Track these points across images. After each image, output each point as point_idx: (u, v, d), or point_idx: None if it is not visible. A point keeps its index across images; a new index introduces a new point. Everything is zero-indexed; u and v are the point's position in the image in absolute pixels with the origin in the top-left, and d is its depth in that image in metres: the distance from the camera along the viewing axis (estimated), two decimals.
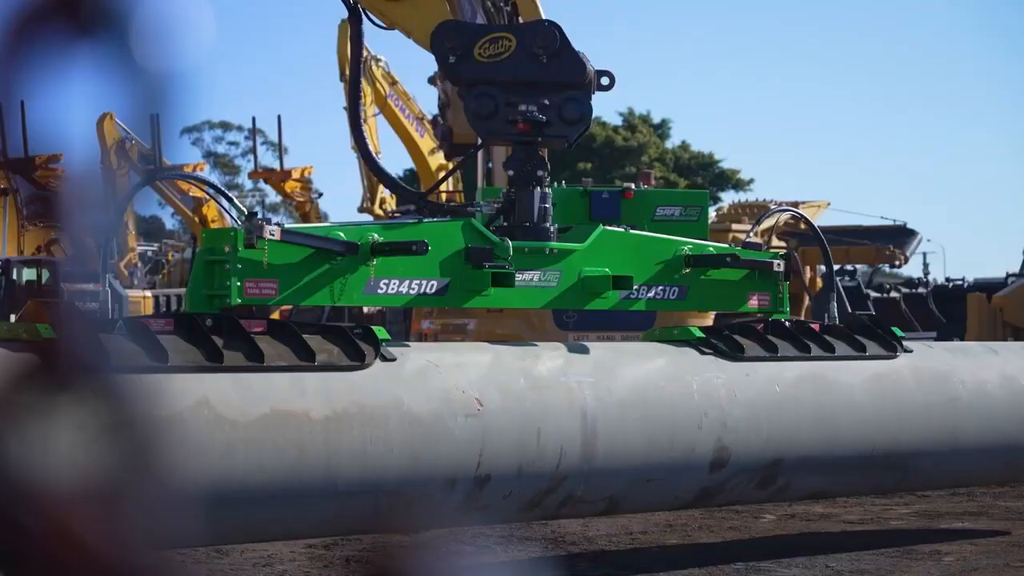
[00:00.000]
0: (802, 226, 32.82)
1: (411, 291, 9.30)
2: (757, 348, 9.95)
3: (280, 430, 7.66)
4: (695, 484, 9.53)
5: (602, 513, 9.77)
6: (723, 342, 9.88)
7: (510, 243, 9.53)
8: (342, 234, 9.00)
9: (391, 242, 9.15)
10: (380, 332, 8.46)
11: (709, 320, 18.87)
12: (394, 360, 8.37)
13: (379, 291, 9.17)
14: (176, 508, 7.17)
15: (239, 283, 8.53)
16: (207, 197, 43.94)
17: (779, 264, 10.60)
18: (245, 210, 8.82)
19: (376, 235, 9.10)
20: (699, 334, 9.93)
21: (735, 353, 9.82)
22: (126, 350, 7.26)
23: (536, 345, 9.52)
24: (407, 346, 8.91)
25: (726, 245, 10.90)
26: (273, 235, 8.63)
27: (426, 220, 9.62)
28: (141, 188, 8.82)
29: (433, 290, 9.39)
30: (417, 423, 8.19)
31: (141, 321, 7.86)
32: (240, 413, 7.53)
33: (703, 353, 9.76)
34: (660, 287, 10.22)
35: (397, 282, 9.20)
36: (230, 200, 9.03)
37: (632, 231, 10.44)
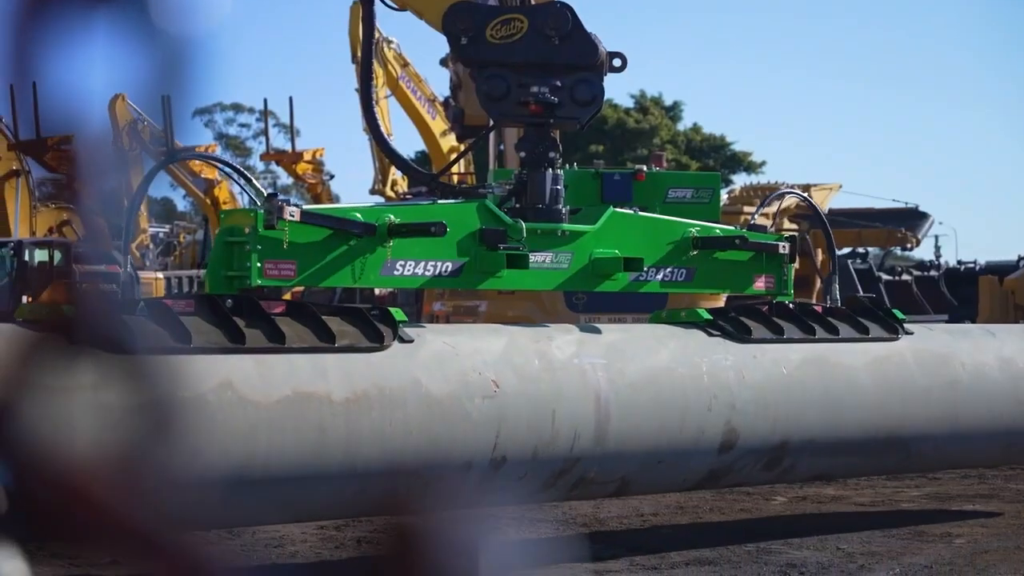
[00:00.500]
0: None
1: (426, 273, 9.30)
2: (763, 330, 9.98)
3: (302, 412, 7.64)
4: (704, 466, 9.56)
5: (613, 494, 9.78)
6: (730, 324, 9.91)
7: (523, 225, 9.54)
8: (359, 215, 9.00)
9: (409, 223, 9.14)
10: (397, 314, 8.44)
11: (721, 302, 18.84)
12: (411, 342, 8.36)
13: (395, 272, 9.16)
14: (199, 489, 7.14)
15: (259, 264, 8.54)
16: (219, 179, 44.01)
17: (784, 246, 10.65)
18: (264, 191, 8.81)
19: (392, 216, 9.10)
20: (707, 316, 9.96)
21: (742, 335, 9.85)
22: (149, 331, 7.24)
23: (549, 327, 9.53)
24: (423, 328, 8.91)
25: (733, 228, 10.90)
26: (293, 216, 8.61)
27: (440, 201, 9.62)
28: (162, 167, 8.80)
29: (448, 272, 9.39)
30: (435, 405, 8.19)
31: (163, 302, 7.82)
32: (262, 395, 7.51)
33: (711, 335, 9.79)
34: (668, 269, 10.24)
35: (413, 263, 9.20)
36: (249, 181, 9.00)
37: (641, 213, 10.46)
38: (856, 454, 10.28)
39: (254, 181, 9.00)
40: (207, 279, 8.74)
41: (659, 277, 10.25)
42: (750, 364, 9.70)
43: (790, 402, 9.78)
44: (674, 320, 10.06)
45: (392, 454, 7.98)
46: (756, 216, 11.37)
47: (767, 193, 34.09)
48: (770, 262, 10.68)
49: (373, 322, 8.28)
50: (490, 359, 8.61)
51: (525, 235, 9.52)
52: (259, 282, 8.51)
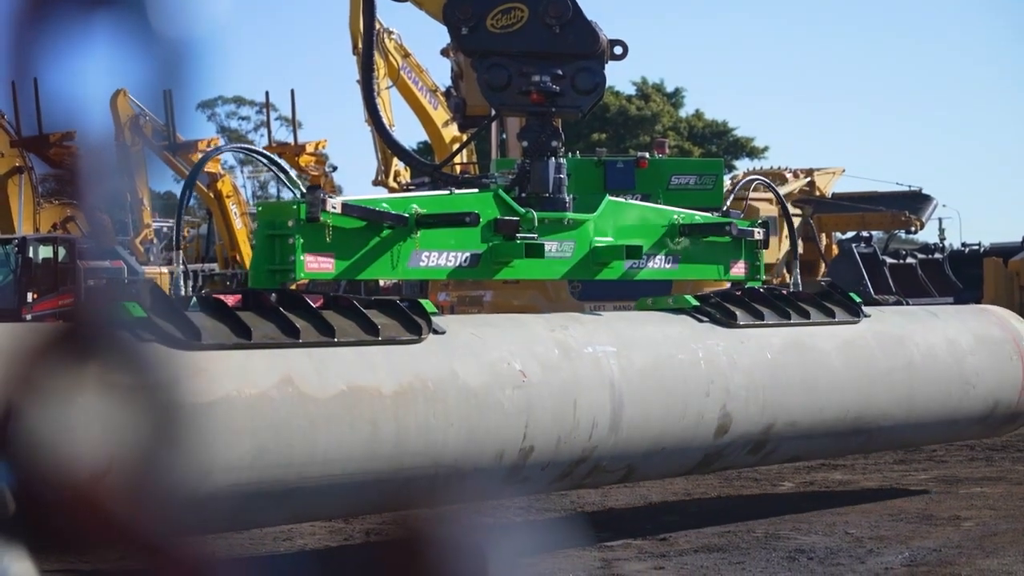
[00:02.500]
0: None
1: (448, 263, 9.27)
2: (747, 315, 10.11)
3: (356, 406, 7.59)
4: (700, 451, 9.66)
5: (616, 482, 9.83)
6: (717, 310, 10.02)
7: (535, 214, 9.57)
8: (386, 205, 8.97)
9: (442, 214, 9.13)
10: (428, 305, 8.39)
11: (726, 287, 18.82)
12: (444, 333, 8.31)
13: (421, 264, 9.12)
14: (264, 487, 7.12)
15: (303, 257, 8.48)
16: (221, 173, 44.04)
17: (759, 232, 10.81)
18: (300, 184, 8.75)
19: (417, 207, 9.06)
20: (694, 302, 10.07)
21: (729, 321, 9.96)
22: (208, 327, 7.19)
23: (558, 316, 9.58)
24: (448, 318, 8.90)
25: (710, 215, 11.00)
26: (335, 208, 8.55)
27: (457, 191, 9.59)
28: (209, 159, 8.68)
29: (467, 262, 9.38)
30: (472, 396, 8.16)
31: (216, 298, 7.69)
32: (320, 390, 7.45)
33: (700, 321, 9.90)
34: (659, 256, 10.37)
35: (437, 254, 9.18)
36: (286, 173, 8.93)
37: (630, 201, 10.57)
38: (827, 436, 10.49)
39: (291, 173, 8.93)
40: (251, 273, 8.61)
41: (650, 265, 10.37)
42: (739, 349, 9.82)
43: (775, 386, 9.92)
44: (661, 307, 10.14)
45: (435, 446, 7.94)
46: (726, 204, 11.41)
47: (770, 178, 34.11)
48: (747, 248, 10.88)
49: (409, 314, 8.22)
50: (515, 349, 8.60)
51: (537, 224, 9.57)
52: (303, 276, 8.45)
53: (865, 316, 10.87)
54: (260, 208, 9.05)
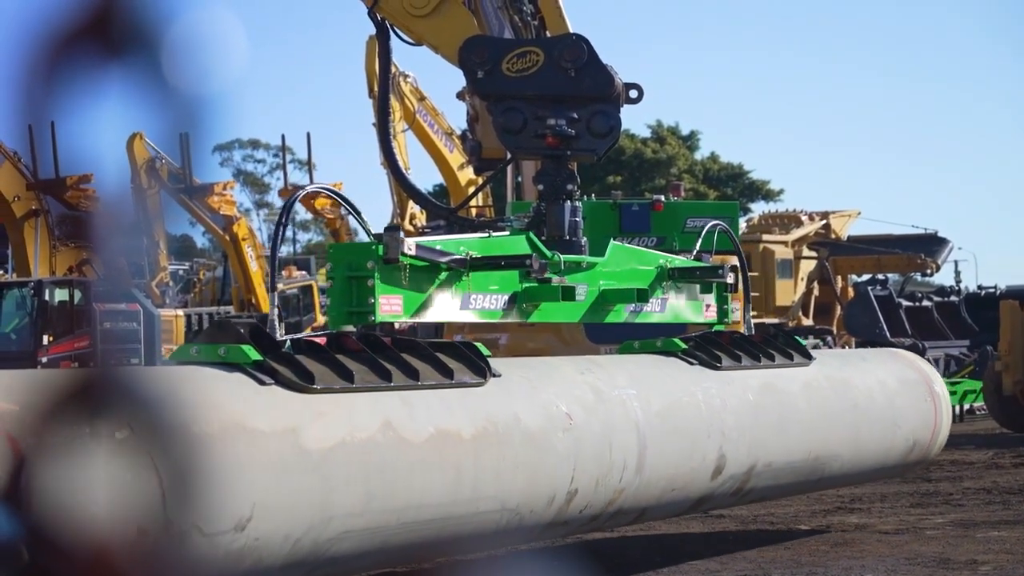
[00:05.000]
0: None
1: (489, 306, 9.21)
2: (727, 358, 10.28)
3: (443, 449, 7.52)
4: (698, 492, 9.76)
5: (628, 524, 9.86)
6: (703, 352, 10.16)
7: (561, 257, 9.59)
8: (440, 247, 8.89)
9: (499, 256, 9.13)
10: (481, 348, 8.34)
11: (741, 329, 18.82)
12: (500, 376, 8.25)
13: (471, 305, 9.08)
14: (368, 535, 7.04)
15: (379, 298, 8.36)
16: (237, 216, 44.15)
17: (728, 275, 11.01)
18: (370, 227, 8.66)
19: (468, 250, 9.06)
20: (683, 345, 10.18)
21: (714, 363, 10.10)
22: (317, 371, 7.10)
23: (580, 359, 9.62)
24: (493, 361, 8.84)
25: (687, 259, 11.11)
26: (411, 249, 8.49)
27: (495, 234, 9.56)
28: (298, 198, 8.43)
29: (507, 305, 9.36)
30: (532, 439, 8.13)
31: (311, 340, 7.58)
32: (414, 433, 7.37)
33: (691, 364, 10.02)
34: (653, 300, 10.55)
35: (482, 297, 9.14)
36: (359, 215, 8.89)
37: (626, 245, 10.70)
38: (793, 476, 10.72)
39: (362, 216, 8.87)
40: (330, 315, 8.48)
41: (647, 308, 10.55)
42: (727, 391, 9.95)
43: (757, 427, 10.08)
44: (649, 350, 10.25)
45: (503, 490, 7.90)
46: (696, 249, 11.46)
47: (786, 221, 34.09)
48: (717, 292, 11.11)
49: (471, 356, 8.17)
50: (558, 391, 8.59)
51: (563, 267, 9.61)
52: (379, 318, 8.40)
53: (812, 359, 11.15)
54: (332, 249, 8.89)
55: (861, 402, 11.26)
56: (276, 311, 7.95)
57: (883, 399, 11.53)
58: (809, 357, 11.08)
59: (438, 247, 8.86)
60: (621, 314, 10.32)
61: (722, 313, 11.20)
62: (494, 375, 8.19)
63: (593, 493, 8.63)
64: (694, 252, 11.20)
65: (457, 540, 7.94)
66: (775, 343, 10.95)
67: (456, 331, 21.10)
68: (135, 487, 5.54)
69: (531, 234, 9.64)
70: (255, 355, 6.94)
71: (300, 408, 6.87)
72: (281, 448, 6.63)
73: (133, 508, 5.67)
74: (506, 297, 9.32)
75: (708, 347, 10.27)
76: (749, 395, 10.10)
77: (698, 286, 10.97)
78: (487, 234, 9.49)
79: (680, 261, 10.90)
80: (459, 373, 7.95)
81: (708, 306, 11.15)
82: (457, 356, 8.10)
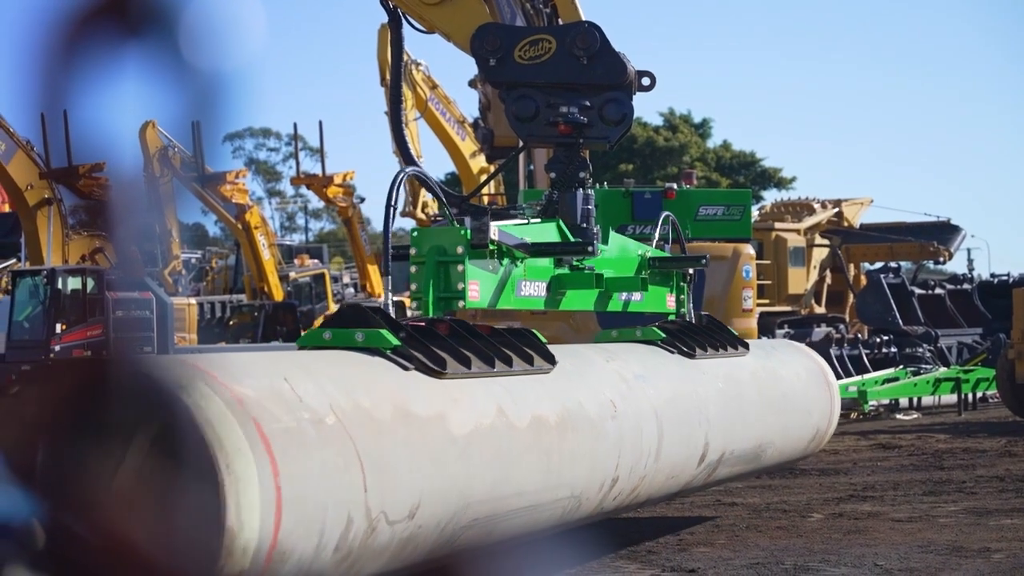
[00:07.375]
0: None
1: (532, 293, 9.25)
2: (698, 348, 10.47)
3: (539, 435, 7.52)
4: (686, 479, 9.88)
5: (632, 509, 9.98)
6: (680, 342, 10.35)
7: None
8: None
9: (556, 243, 9.20)
10: (538, 335, 8.29)
11: (753, 320, 18.87)
12: (557, 363, 8.22)
13: (522, 293, 9.09)
14: (489, 522, 7.03)
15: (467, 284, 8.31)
16: (249, 204, 44.23)
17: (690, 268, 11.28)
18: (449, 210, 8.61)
19: (525, 237, 9.02)
20: (662, 334, 10.34)
21: (690, 352, 10.30)
22: (433, 357, 6.99)
23: (595, 346, 9.68)
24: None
25: (659, 250, 11.22)
26: (495, 235, 8.48)
27: (532, 221, 9.57)
28: (400, 183, 8.18)
29: (546, 292, 9.41)
30: (591, 426, 8.16)
31: (426, 328, 7.39)
32: (519, 419, 7.35)
33: (671, 353, 10.17)
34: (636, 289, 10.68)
35: (529, 284, 9.18)
36: (442, 200, 8.84)
37: (618, 235, 10.80)
38: (744, 462, 10.92)
39: (444, 200, 8.81)
40: (422, 300, 8.32)
41: (633, 297, 10.67)
42: (704, 380, 10.12)
43: (726, 415, 10.27)
44: (629, 339, 10.35)
45: (571, 475, 7.91)
46: (656, 240, 11.50)
47: (798, 209, 34.05)
48: (676, 282, 11.33)
49: (538, 343, 8.14)
50: (599, 379, 8.62)
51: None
52: (468, 304, 8.32)
53: (748, 349, 11.41)
54: (416, 233, 8.64)
55: (787, 391, 11.59)
56: (389, 295, 7.83)
57: (801, 388, 11.89)
58: (747, 347, 11.35)
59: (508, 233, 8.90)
60: (617, 302, 10.48)
61: (679, 303, 11.41)
62: (555, 362, 8.17)
63: (627, 480, 8.69)
64: (654, 242, 11.29)
65: (536, 528, 7.91)
66: (720, 334, 11.15)
67: (469, 318, 21.11)
68: (344, 476, 5.60)
69: (560, 221, 9.67)
70: (394, 340, 6.85)
71: (442, 394, 6.81)
72: (436, 434, 6.58)
73: (342, 495, 5.67)
74: (543, 284, 9.37)
75: (682, 337, 10.50)
76: (719, 384, 10.32)
77: (672, 275, 11.24)
78: (526, 221, 9.50)
79: (654, 252, 11.07)
80: (538, 360, 7.95)
81: (669, 295, 11.38)
82: (527, 343, 8.07)
